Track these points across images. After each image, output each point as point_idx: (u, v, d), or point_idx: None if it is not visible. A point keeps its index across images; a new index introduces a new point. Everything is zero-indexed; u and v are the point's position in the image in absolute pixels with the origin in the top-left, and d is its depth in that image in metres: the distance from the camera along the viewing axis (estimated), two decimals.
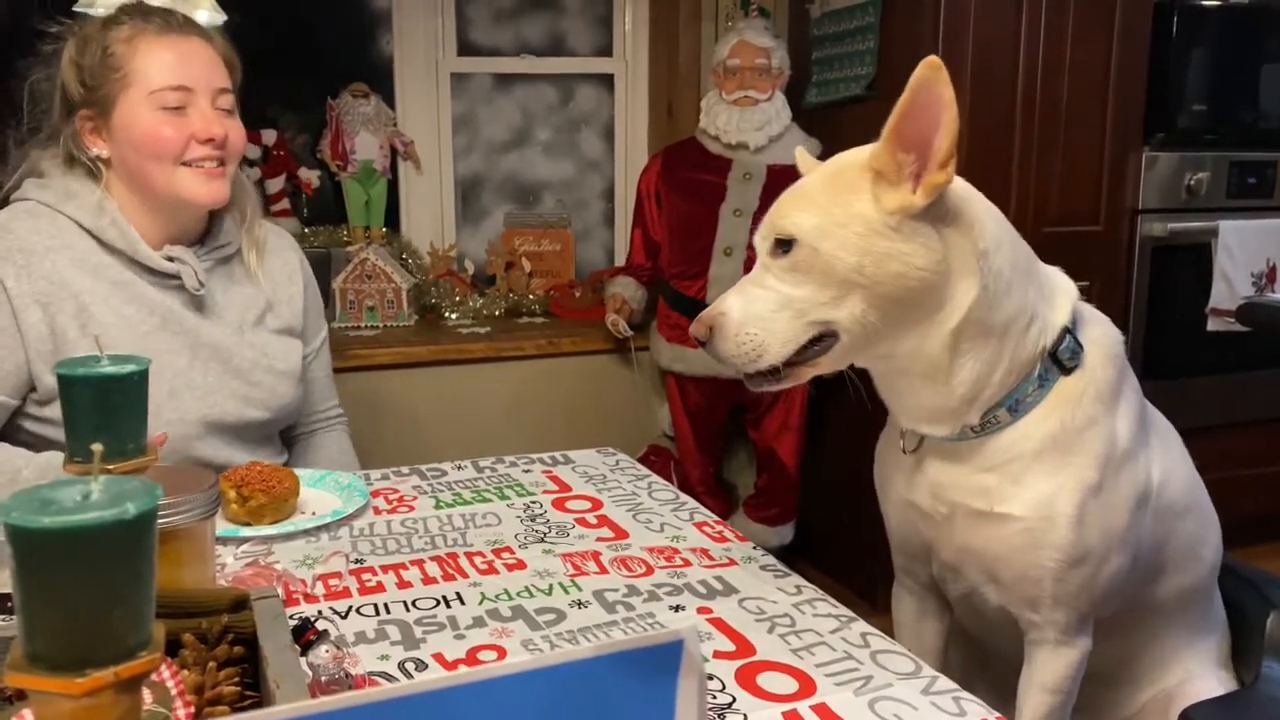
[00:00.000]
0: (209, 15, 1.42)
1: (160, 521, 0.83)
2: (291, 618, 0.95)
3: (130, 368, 0.65)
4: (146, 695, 0.56)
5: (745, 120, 2.50)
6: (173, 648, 0.71)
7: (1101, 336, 1.08)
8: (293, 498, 1.27)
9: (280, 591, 0.99)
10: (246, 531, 1.20)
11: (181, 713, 0.61)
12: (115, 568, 0.41)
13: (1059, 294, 1.07)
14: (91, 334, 1.34)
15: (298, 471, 1.33)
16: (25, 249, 1.35)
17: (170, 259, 1.41)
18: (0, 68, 1.54)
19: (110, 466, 0.67)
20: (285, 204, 2.92)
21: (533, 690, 0.37)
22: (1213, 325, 2.70)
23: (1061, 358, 1.04)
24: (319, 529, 1.24)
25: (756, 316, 0.99)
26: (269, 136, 2.88)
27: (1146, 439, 1.10)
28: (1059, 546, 1.02)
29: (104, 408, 0.64)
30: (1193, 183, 2.68)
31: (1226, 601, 1.26)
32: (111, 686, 0.41)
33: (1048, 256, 1.17)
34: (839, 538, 2.74)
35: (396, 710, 0.35)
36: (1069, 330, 1.05)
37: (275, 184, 2.89)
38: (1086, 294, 1.14)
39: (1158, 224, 2.65)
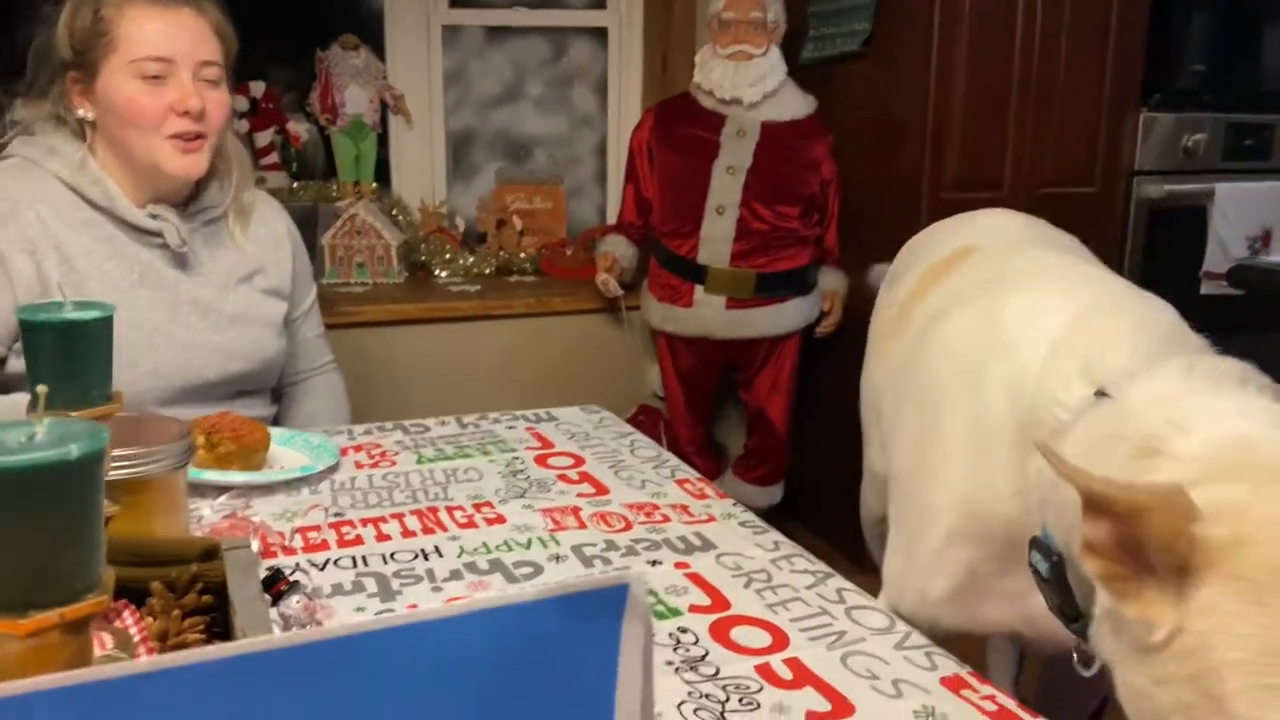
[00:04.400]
0: None
1: (131, 471, 0.83)
2: (268, 569, 0.95)
3: (94, 314, 0.64)
4: (108, 640, 0.56)
5: (740, 75, 2.47)
6: (141, 596, 0.71)
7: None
8: (262, 450, 1.27)
9: (255, 543, 0.99)
10: (211, 476, 1.19)
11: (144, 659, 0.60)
12: (59, 509, 0.40)
13: None
14: (73, 284, 1.35)
15: (271, 430, 1.33)
16: (11, 198, 1.37)
17: (153, 216, 1.42)
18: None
19: (74, 414, 0.66)
20: (274, 158, 2.89)
21: (472, 632, 0.36)
22: (1206, 289, 2.69)
23: None
24: (299, 482, 1.24)
25: None
26: (257, 89, 2.84)
27: None
28: None
29: (67, 353, 0.63)
30: (1190, 144, 2.65)
31: None
32: (58, 628, 0.40)
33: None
34: (828, 498, 2.75)
35: (331, 651, 0.35)
36: None
37: (263, 137, 2.86)
38: None
39: (1154, 186, 2.63)
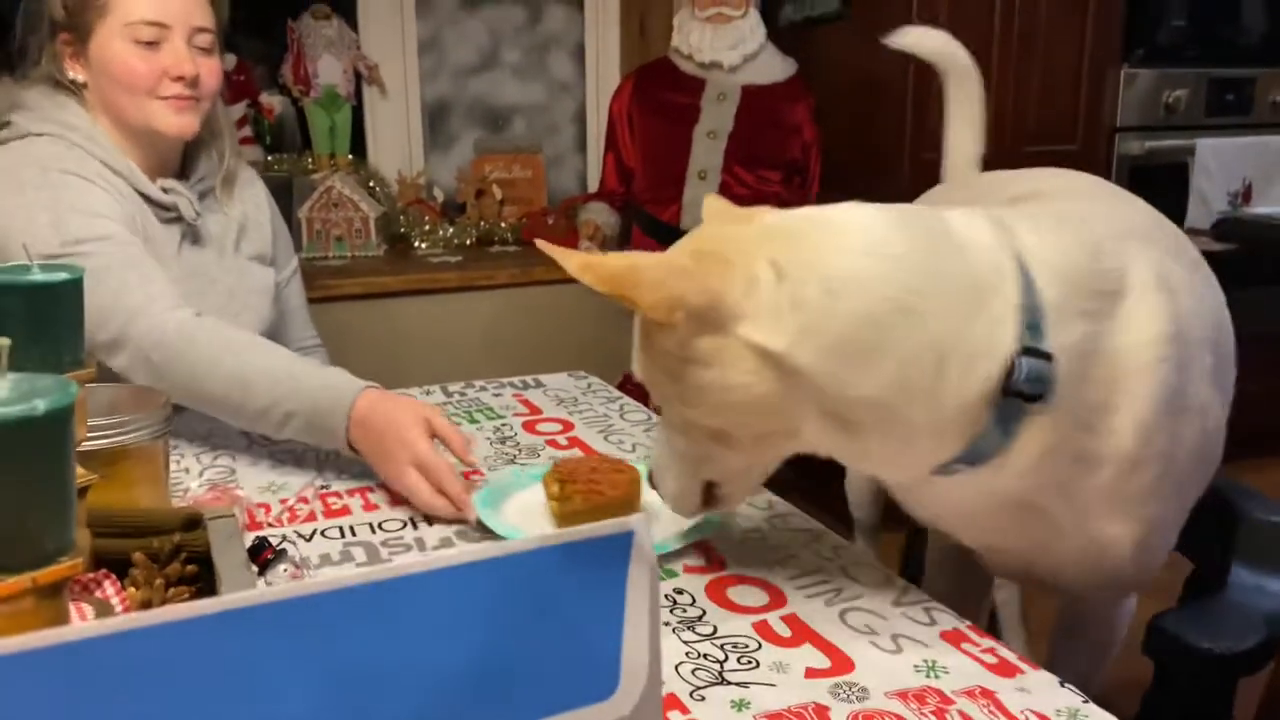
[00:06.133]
0: None
1: (110, 441, 0.81)
2: (253, 539, 0.93)
3: (63, 276, 0.62)
4: (89, 611, 0.54)
5: (719, 38, 2.44)
6: (123, 568, 0.69)
7: (1140, 328, 0.79)
8: (617, 507, 1.02)
9: (240, 513, 0.97)
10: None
11: None
12: (26, 468, 0.38)
13: (990, 295, 0.75)
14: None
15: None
16: (79, 162, 1.32)
17: (165, 190, 1.40)
18: None
19: None
20: (247, 131, 2.84)
21: (477, 582, 0.35)
22: None
23: (1021, 389, 0.75)
24: (284, 453, 1.21)
25: None
26: (228, 61, 2.78)
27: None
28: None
29: (37, 317, 0.60)
30: (1171, 100, 2.65)
31: (1198, 509, 1.26)
32: (31, 593, 0.38)
33: None
34: (819, 464, 2.75)
35: (334, 603, 0.33)
36: (1031, 350, 0.74)
37: (236, 110, 2.80)
38: None
39: (1135, 142, 2.62)
